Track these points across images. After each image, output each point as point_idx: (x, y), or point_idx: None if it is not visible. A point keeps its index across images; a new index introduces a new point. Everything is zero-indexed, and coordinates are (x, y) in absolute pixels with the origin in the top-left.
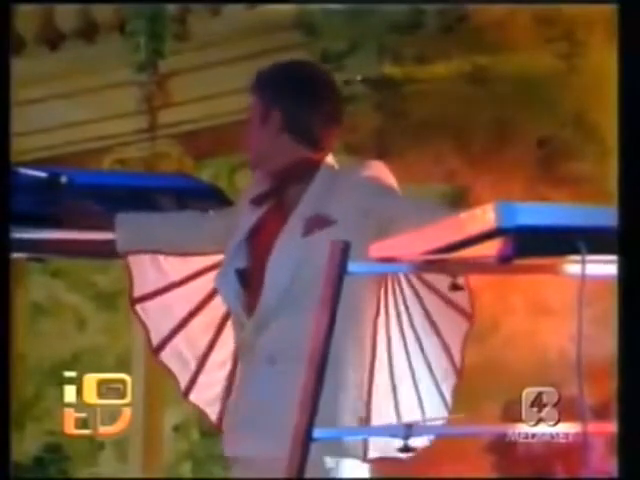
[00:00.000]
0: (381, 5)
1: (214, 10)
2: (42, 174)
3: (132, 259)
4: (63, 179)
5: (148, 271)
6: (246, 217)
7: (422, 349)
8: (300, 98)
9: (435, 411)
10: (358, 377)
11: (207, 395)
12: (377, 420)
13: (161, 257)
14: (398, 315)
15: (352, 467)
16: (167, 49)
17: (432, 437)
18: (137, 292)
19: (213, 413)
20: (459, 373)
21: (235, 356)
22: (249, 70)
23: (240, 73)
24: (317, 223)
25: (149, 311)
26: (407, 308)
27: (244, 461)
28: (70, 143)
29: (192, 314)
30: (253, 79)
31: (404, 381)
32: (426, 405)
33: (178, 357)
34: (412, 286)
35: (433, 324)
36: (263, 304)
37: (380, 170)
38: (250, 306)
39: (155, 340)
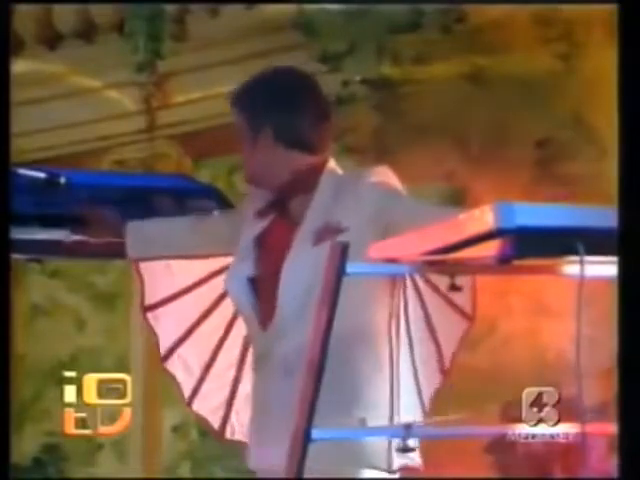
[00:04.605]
0: (380, 5)
1: (213, 10)
2: (41, 174)
3: (143, 266)
4: (62, 179)
5: (159, 278)
6: (250, 228)
7: (411, 347)
8: (285, 107)
9: (410, 411)
10: (369, 381)
11: (210, 403)
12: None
13: (172, 263)
14: (399, 316)
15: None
16: (166, 49)
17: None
18: (148, 300)
19: (215, 421)
20: (446, 373)
21: (241, 360)
22: (248, 70)
23: (239, 73)
24: (327, 232)
25: (160, 319)
26: (407, 308)
27: (267, 473)
28: (69, 143)
29: (200, 319)
30: (232, 99)
31: (399, 381)
32: (403, 403)
33: (184, 365)
34: (415, 285)
35: (429, 322)
36: (279, 316)
37: (386, 174)
38: (263, 318)
39: (163, 348)
